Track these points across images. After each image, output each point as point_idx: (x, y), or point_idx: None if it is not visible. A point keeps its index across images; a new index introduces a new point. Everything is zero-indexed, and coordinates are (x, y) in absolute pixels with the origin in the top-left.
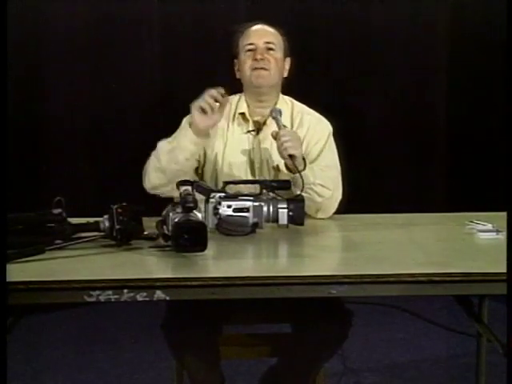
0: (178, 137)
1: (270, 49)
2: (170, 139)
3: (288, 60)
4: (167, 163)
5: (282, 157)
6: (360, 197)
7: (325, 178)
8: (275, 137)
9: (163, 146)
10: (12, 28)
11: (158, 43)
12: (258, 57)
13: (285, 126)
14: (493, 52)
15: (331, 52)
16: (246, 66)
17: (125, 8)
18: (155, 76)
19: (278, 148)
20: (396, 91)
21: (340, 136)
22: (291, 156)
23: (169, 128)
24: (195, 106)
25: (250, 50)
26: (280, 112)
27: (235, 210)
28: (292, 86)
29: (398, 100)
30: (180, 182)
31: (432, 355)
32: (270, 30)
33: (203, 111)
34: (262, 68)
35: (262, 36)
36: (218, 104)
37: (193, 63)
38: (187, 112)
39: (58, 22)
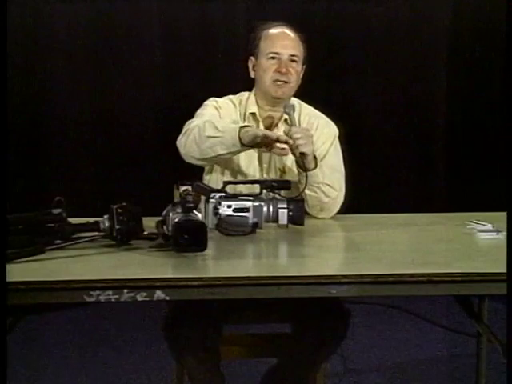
0: (226, 132)
1: (294, 61)
2: (218, 125)
3: (303, 67)
4: (206, 147)
5: (294, 154)
6: (360, 197)
7: (332, 179)
8: (287, 134)
9: (210, 129)
10: (12, 28)
11: (158, 43)
12: (283, 70)
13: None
14: (493, 51)
15: (331, 51)
16: (267, 74)
17: (125, 7)
18: (156, 76)
19: (290, 145)
20: (396, 91)
21: (339, 136)
22: (302, 154)
23: (169, 128)
24: (266, 134)
25: (273, 58)
26: (293, 107)
27: (235, 210)
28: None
29: (398, 100)
30: (180, 181)
31: (432, 355)
32: (294, 37)
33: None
34: (284, 81)
35: (287, 47)
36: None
37: (193, 63)
38: (188, 111)
39: (59, 22)
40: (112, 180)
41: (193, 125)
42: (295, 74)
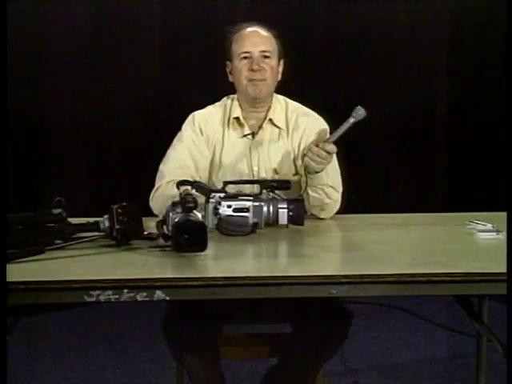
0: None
1: (266, 57)
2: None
3: (281, 62)
4: None
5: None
6: (360, 197)
7: (334, 180)
8: (318, 145)
9: (172, 189)
10: (11, 28)
11: (157, 44)
12: (255, 67)
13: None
14: (493, 51)
15: (330, 51)
16: (241, 75)
17: (125, 7)
18: (155, 76)
19: (303, 156)
20: (395, 91)
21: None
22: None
23: (169, 128)
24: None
25: (245, 58)
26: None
27: (235, 210)
28: (290, 86)
29: (398, 100)
30: (180, 181)
31: (432, 355)
32: (264, 34)
33: None
34: (258, 79)
35: (257, 44)
36: None
37: (193, 63)
38: (188, 111)
39: (59, 22)
40: (112, 180)
41: (156, 186)
42: (269, 69)
